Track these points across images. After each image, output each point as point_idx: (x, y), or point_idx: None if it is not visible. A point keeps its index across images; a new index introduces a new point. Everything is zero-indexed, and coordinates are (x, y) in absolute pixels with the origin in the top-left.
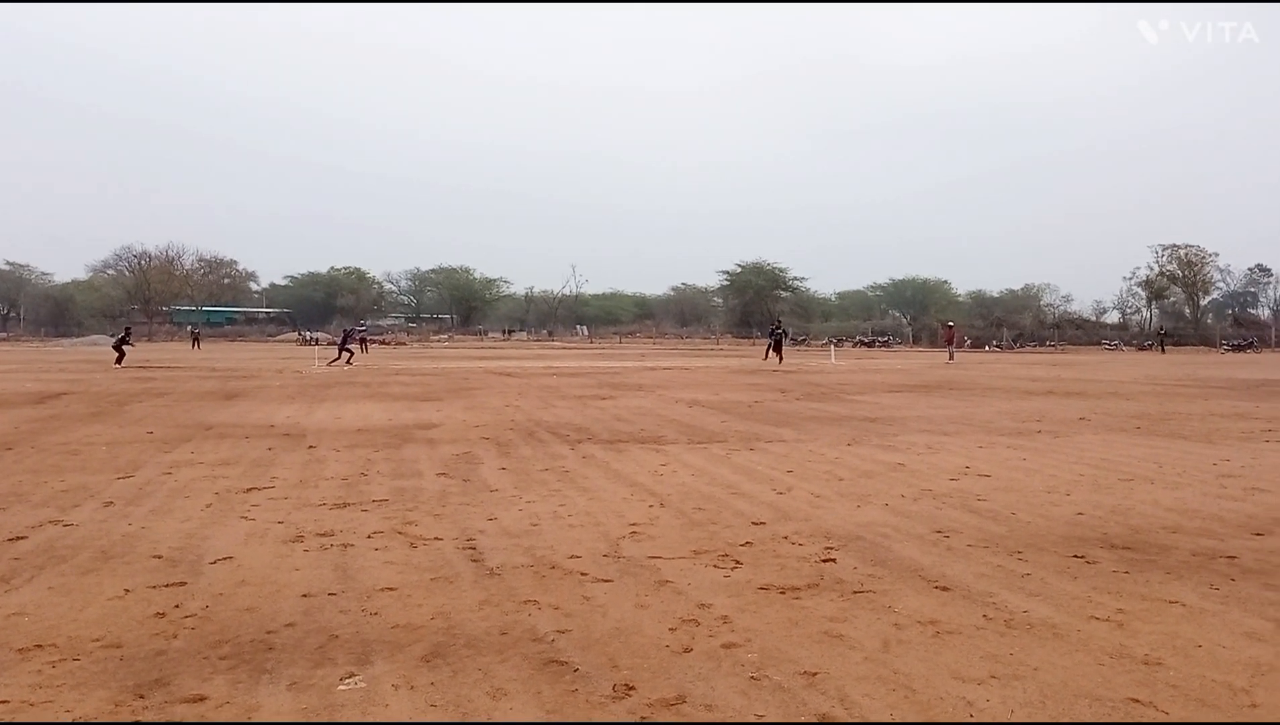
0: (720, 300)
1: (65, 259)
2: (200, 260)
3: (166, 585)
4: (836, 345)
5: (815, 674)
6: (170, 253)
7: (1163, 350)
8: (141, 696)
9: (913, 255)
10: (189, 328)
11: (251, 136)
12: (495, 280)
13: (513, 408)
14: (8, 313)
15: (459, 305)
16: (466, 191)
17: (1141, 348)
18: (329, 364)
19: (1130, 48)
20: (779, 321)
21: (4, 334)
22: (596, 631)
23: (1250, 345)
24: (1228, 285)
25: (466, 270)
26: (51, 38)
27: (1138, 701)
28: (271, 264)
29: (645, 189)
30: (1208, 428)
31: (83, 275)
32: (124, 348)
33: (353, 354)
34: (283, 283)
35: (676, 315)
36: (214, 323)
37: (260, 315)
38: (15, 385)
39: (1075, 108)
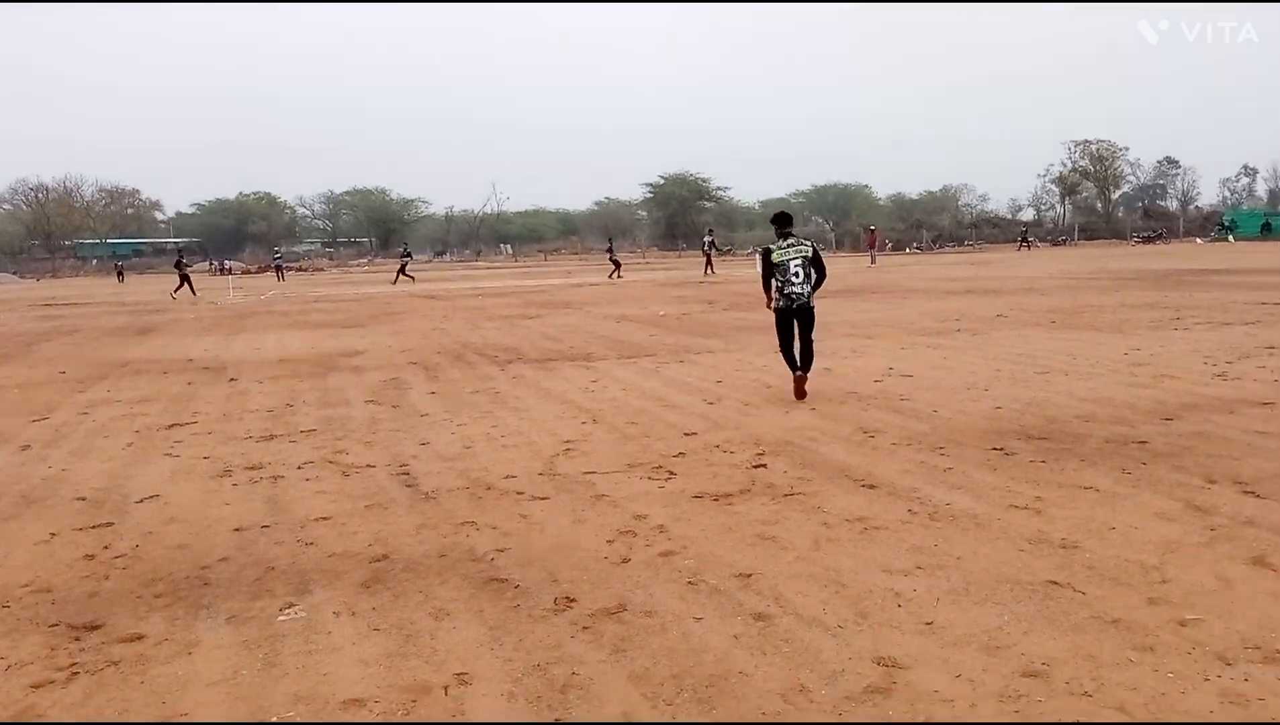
0: (644, 213)
1: None
2: (100, 190)
3: (93, 527)
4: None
5: (750, 575)
6: (68, 184)
7: (1023, 246)
8: (77, 639)
9: (834, 161)
10: (114, 262)
11: (142, 61)
12: (413, 200)
13: (439, 331)
14: None
15: (377, 227)
16: (379, 112)
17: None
18: (610, 276)
19: None
20: (710, 231)
21: None
22: (535, 548)
23: (1160, 236)
24: (1138, 179)
25: (383, 191)
26: None
27: (1056, 584)
28: (177, 193)
29: (564, 105)
30: (1119, 319)
31: None
32: (187, 275)
33: (618, 266)
34: (190, 211)
35: (601, 230)
36: (120, 255)
37: (168, 246)
38: None
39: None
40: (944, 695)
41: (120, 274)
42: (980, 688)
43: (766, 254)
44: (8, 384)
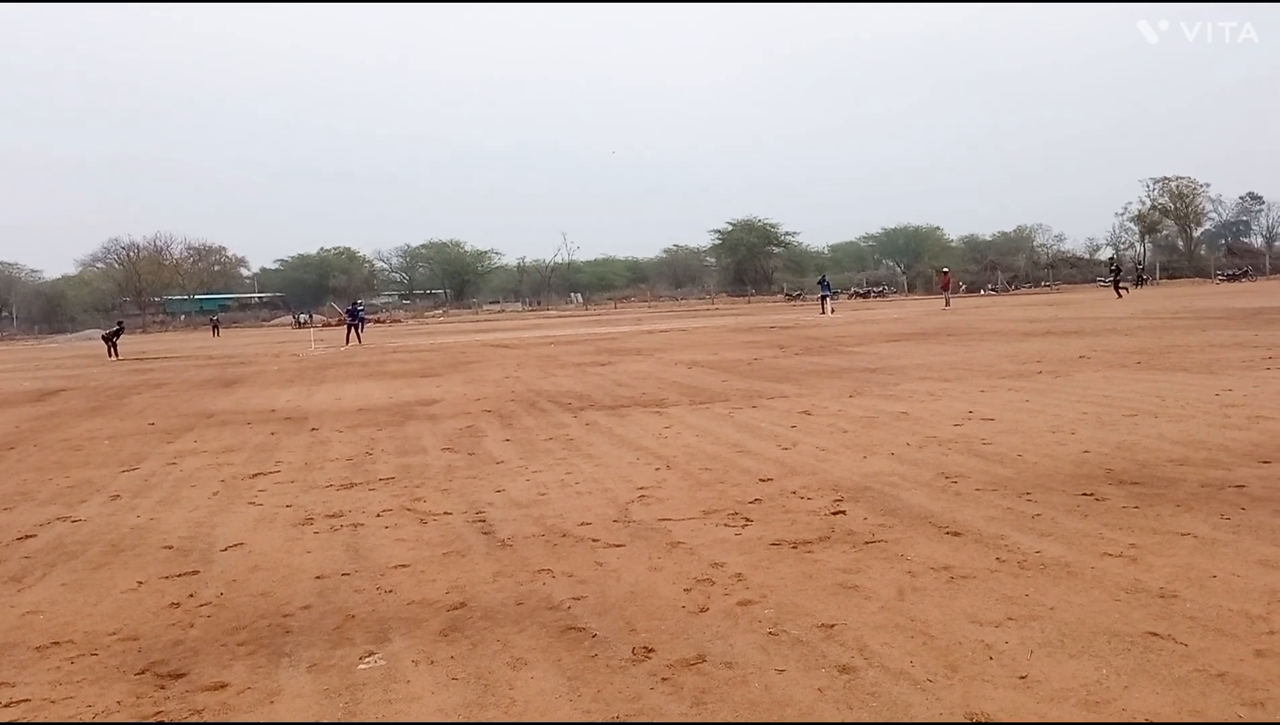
0: (713, 260)
1: (54, 255)
2: (189, 248)
3: (179, 575)
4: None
5: (833, 626)
6: (158, 242)
7: (1119, 290)
8: (162, 687)
9: (904, 204)
10: (211, 318)
11: (230, 126)
12: (486, 252)
13: (512, 379)
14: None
15: (452, 279)
16: (453, 166)
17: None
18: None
19: None
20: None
21: None
22: (612, 596)
23: (1245, 274)
24: (1220, 215)
25: (457, 243)
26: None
27: (1156, 635)
28: (260, 249)
29: (632, 154)
30: (1208, 358)
31: (72, 270)
32: (115, 341)
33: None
34: (273, 267)
35: (670, 277)
36: (207, 310)
37: (253, 300)
38: (13, 384)
39: (1053, 42)
40: None
41: (215, 328)
42: None
43: None
44: (99, 435)
